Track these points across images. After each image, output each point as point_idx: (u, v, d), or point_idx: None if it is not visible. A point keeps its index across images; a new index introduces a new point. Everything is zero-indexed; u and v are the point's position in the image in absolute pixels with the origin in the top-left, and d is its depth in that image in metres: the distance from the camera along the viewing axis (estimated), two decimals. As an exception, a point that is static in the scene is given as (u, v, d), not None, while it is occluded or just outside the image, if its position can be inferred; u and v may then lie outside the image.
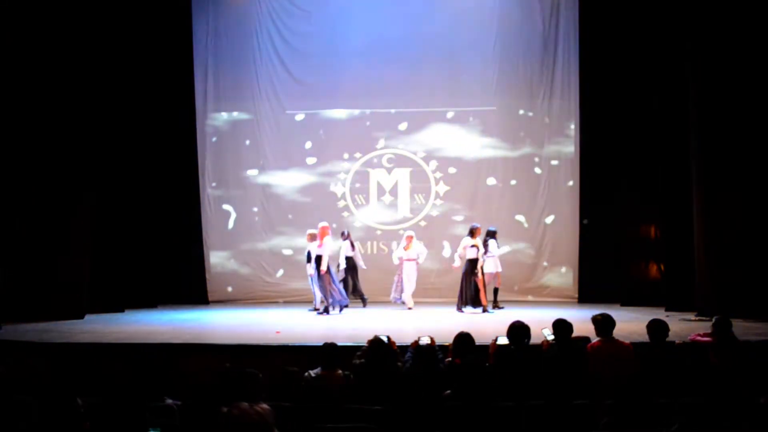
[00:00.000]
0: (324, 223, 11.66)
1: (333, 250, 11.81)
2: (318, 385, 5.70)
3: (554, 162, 13.50)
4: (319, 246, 11.31)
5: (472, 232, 11.60)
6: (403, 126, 13.66)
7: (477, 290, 11.42)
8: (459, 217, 13.56)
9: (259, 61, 13.59)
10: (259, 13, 13.58)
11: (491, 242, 11.97)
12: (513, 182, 13.57)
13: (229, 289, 13.53)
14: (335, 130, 13.69)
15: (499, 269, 12.00)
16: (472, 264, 11.49)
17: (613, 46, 12.52)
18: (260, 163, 13.65)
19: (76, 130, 11.03)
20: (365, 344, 6.42)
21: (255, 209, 13.65)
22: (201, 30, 13.47)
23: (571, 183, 13.43)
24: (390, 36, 13.40)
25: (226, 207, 13.62)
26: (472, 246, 11.45)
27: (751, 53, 10.40)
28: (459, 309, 11.48)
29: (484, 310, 11.35)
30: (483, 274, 11.54)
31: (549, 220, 13.49)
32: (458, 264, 11.71)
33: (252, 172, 13.66)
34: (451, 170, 13.64)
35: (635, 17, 12.01)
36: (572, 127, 13.46)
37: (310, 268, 11.53)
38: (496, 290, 11.94)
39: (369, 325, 9.81)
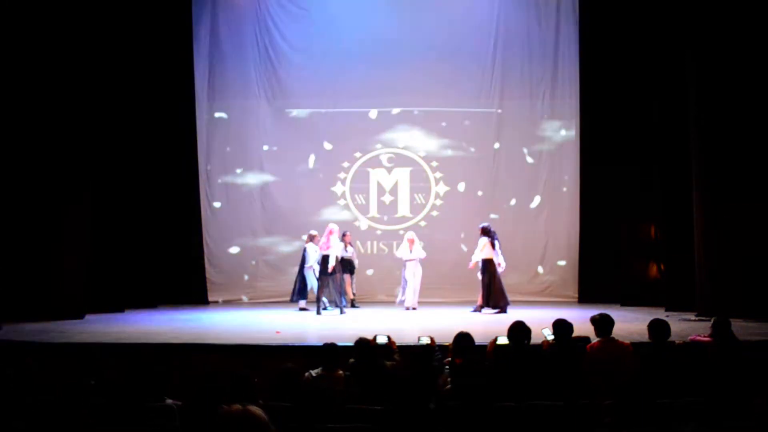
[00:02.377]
0: (332, 225, 11.64)
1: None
2: (319, 385, 5.70)
3: (554, 162, 13.52)
4: (327, 247, 11.30)
5: (487, 232, 11.59)
6: (403, 126, 13.67)
7: (492, 291, 11.41)
8: (459, 218, 13.57)
9: (258, 60, 13.58)
10: (258, 11, 13.58)
11: (495, 242, 11.98)
12: (513, 182, 13.58)
13: (229, 289, 13.52)
14: (335, 129, 13.68)
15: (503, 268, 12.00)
16: (488, 264, 11.48)
17: (613, 47, 12.55)
18: (260, 162, 13.64)
19: (76, 129, 11.03)
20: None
21: (255, 208, 13.64)
22: (201, 28, 13.45)
23: (571, 183, 13.44)
24: (389, 36, 13.41)
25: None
26: (489, 245, 11.46)
27: (751, 54, 10.42)
28: (478, 309, 11.45)
29: (503, 311, 11.30)
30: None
31: (549, 220, 13.51)
32: (473, 263, 11.68)
33: (252, 171, 13.64)
34: (451, 170, 13.65)
35: (635, 18, 12.04)
36: (572, 127, 13.48)
37: (308, 268, 11.57)
38: None
39: (369, 325, 9.81)
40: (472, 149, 13.64)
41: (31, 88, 10.68)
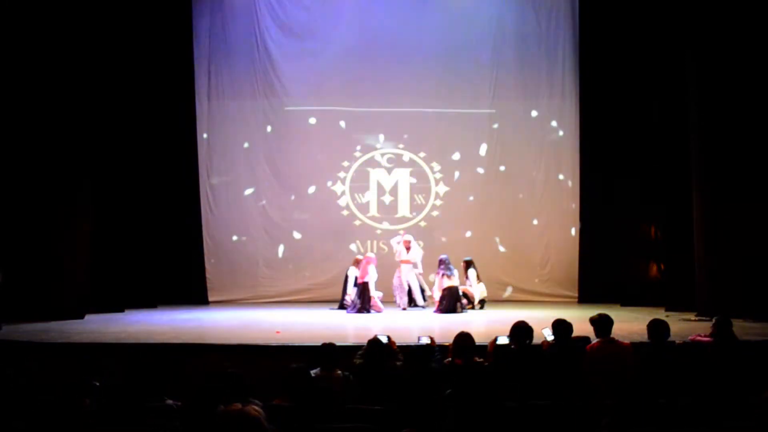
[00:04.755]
0: (371, 254, 11.94)
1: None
2: (317, 385, 5.69)
3: (554, 162, 13.52)
4: (364, 275, 11.49)
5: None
6: (403, 125, 13.65)
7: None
8: (459, 218, 13.59)
9: (258, 58, 13.55)
10: (258, 10, 13.55)
11: (470, 272, 12.11)
12: (513, 183, 13.58)
13: (229, 289, 13.47)
14: (335, 129, 13.67)
15: (485, 294, 12.19)
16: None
17: (613, 47, 12.55)
18: (261, 162, 13.61)
19: (77, 129, 11.03)
20: (365, 344, 6.42)
21: (255, 208, 13.61)
22: (201, 26, 13.40)
23: (571, 183, 13.44)
24: (389, 36, 13.40)
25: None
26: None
27: (751, 53, 10.44)
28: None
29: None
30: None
31: (549, 219, 13.51)
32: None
33: (252, 171, 13.61)
34: (451, 170, 13.65)
35: (635, 18, 12.04)
36: (572, 127, 13.47)
37: (352, 293, 11.75)
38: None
39: (369, 325, 9.82)
40: (472, 149, 13.62)
41: (30, 88, 10.68)
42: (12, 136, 10.59)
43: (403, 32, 13.39)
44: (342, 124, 13.67)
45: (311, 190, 13.64)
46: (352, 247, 13.45)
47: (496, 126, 13.57)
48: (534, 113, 13.53)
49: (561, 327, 6.39)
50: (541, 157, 13.53)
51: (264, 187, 13.63)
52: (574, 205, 13.41)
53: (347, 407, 5.29)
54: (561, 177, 13.51)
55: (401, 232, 12.99)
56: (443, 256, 11.81)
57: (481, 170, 13.62)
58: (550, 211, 13.52)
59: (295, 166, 13.63)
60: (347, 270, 12.17)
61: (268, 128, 13.64)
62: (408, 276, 12.05)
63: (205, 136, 13.54)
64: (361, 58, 13.42)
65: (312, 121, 13.66)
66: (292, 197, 13.64)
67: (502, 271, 13.32)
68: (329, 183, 13.66)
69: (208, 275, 13.43)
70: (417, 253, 12.22)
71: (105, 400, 4.86)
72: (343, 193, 13.69)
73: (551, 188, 13.53)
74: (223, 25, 13.51)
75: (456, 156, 13.62)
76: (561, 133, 13.53)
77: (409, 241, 12.20)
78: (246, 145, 13.63)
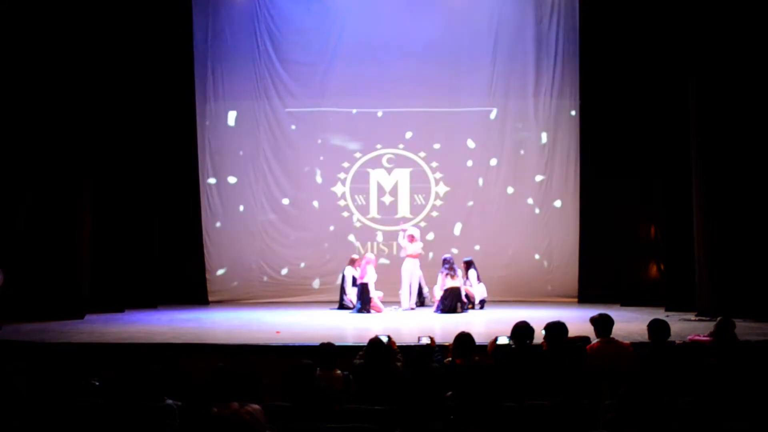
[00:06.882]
0: (370, 255, 12.00)
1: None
2: (317, 385, 5.69)
3: (555, 161, 13.51)
4: (363, 276, 11.53)
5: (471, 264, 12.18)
6: (403, 126, 13.64)
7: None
8: (459, 218, 13.58)
9: (258, 59, 13.55)
10: (258, 11, 13.54)
11: (471, 272, 12.10)
12: (513, 183, 13.58)
13: (230, 289, 13.48)
14: (335, 130, 13.67)
15: (485, 295, 12.17)
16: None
17: (614, 47, 12.53)
18: (260, 162, 13.61)
19: (77, 129, 11.05)
20: (366, 344, 6.41)
21: (255, 208, 13.62)
22: (201, 27, 13.40)
23: (571, 183, 13.44)
24: (389, 35, 13.39)
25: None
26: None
27: (751, 55, 10.44)
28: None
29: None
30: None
31: (550, 220, 13.50)
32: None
33: (252, 171, 13.61)
34: (451, 171, 13.64)
35: (636, 19, 12.03)
36: (573, 127, 13.45)
37: (352, 294, 11.85)
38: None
39: (369, 325, 9.83)
40: (472, 149, 13.62)
41: (32, 89, 10.71)
42: (13, 137, 10.61)
43: (403, 32, 13.37)
44: (342, 124, 13.66)
45: (311, 190, 13.63)
46: (352, 247, 13.43)
47: (496, 125, 13.56)
48: (534, 112, 13.51)
49: (553, 330, 6.27)
50: (542, 155, 13.52)
51: (264, 188, 13.62)
52: (575, 205, 13.41)
53: (347, 407, 5.28)
54: (561, 176, 13.49)
55: (402, 226, 12.94)
56: (447, 256, 11.79)
57: (480, 170, 13.61)
58: (550, 211, 13.52)
59: (295, 167, 13.63)
60: (343, 270, 12.20)
61: (267, 128, 13.63)
62: (413, 272, 11.94)
63: (205, 136, 13.51)
64: (361, 58, 13.40)
65: (312, 121, 13.65)
66: (292, 198, 13.63)
67: (504, 272, 13.31)
68: (329, 184, 13.65)
69: (208, 275, 13.43)
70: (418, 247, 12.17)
71: (105, 400, 4.87)
72: (343, 194, 13.69)
73: (551, 187, 13.53)
74: (223, 26, 13.49)
75: (455, 155, 13.61)
76: (561, 132, 13.48)
77: (413, 235, 12.12)
78: (246, 145, 13.63)
